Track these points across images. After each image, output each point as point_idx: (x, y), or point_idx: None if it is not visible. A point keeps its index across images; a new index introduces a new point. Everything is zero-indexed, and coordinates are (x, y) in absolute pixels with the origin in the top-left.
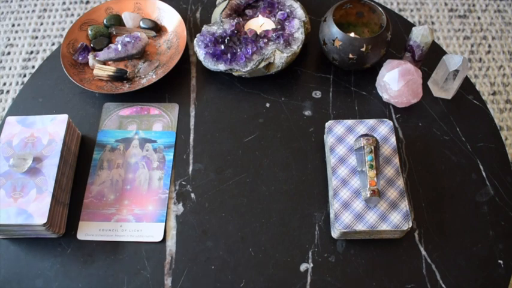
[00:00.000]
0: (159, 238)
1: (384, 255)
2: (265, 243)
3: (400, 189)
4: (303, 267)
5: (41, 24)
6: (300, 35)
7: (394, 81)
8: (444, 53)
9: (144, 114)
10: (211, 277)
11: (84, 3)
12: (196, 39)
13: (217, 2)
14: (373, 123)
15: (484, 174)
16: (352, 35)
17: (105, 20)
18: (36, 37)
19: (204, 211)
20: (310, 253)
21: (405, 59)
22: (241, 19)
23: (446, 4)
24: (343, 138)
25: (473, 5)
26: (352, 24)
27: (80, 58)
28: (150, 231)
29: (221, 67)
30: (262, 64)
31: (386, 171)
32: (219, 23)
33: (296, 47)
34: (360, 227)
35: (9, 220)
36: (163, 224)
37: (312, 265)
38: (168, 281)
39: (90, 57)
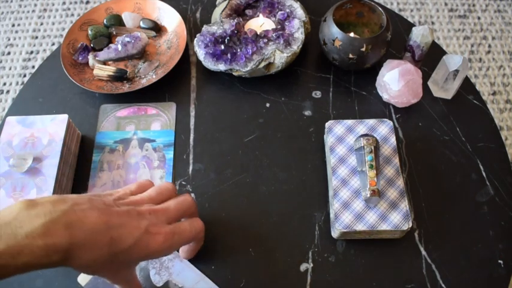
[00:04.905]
0: None
1: (384, 255)
2: (266, 243)
3: (400, 189)
4: (303, 267)
5: (41, 24)
6: (300, 35)
7: (394, 81)
8: (444, 53)
9: (141, 114)
10: (212, 277)
11: (84, 3)
12: (196, 39)
13: (217, 2)
14: (373, 123)
15: (484, 174)
16: (352, 35)
17: (105, 20)
18: (36, 37)
19: (204, 211)
20: (310, 253)
21: (405, 59)
22: (241, 19)
23: (446, 4)
24: (343, 138)
25: (473, 5)
26: (352, 24)
27: (80, 58)
28: None
29: (221, 67)
30: (262, 64)
31: (387, 171)
32: (219, 23)
33: (296, 47)
34: (360, 227)
35: None
36: None
37: (312, 265)
38: None
39: (90, 57)
